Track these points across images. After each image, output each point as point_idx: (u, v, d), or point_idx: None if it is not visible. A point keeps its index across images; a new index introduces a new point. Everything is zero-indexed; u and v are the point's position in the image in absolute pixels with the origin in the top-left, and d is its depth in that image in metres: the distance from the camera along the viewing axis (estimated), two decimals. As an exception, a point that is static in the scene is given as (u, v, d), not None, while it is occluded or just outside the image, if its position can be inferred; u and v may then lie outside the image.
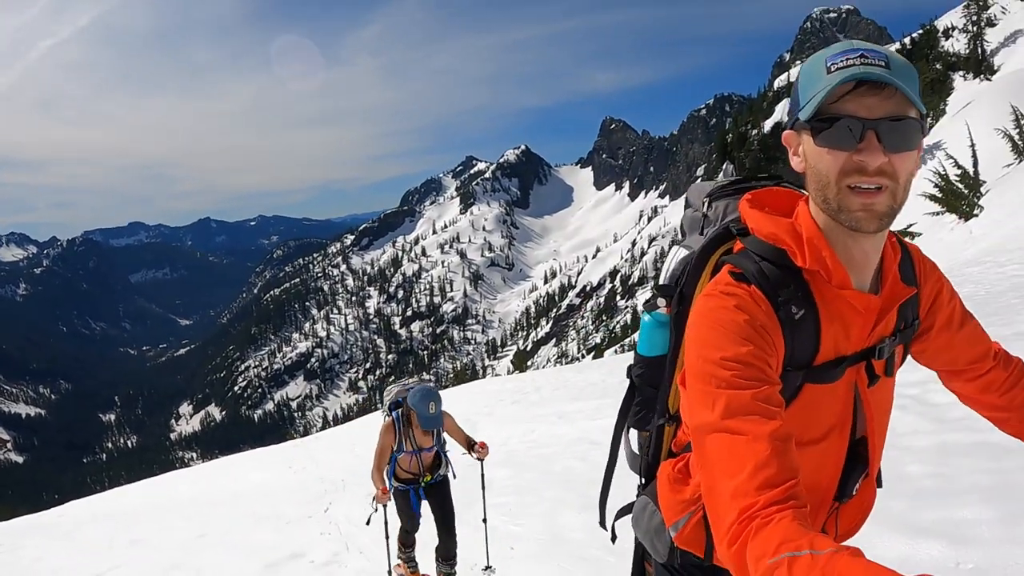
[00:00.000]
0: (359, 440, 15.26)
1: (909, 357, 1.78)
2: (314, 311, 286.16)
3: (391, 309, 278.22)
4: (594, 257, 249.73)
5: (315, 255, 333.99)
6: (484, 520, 6.08)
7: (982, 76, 41.75)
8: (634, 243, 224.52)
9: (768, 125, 79.24)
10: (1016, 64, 38.18)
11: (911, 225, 21.76)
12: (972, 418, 2.28)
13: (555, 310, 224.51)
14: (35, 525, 14.76)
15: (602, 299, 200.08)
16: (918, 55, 50.42)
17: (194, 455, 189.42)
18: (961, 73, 44.27)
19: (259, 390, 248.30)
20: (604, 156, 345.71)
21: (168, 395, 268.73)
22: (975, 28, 45.15)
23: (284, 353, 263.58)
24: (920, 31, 57.10)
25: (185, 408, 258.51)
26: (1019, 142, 22.49)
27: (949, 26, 53.17)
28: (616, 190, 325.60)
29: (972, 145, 21.24)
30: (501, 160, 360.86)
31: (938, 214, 20.93)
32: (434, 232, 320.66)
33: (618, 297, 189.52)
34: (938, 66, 45.60)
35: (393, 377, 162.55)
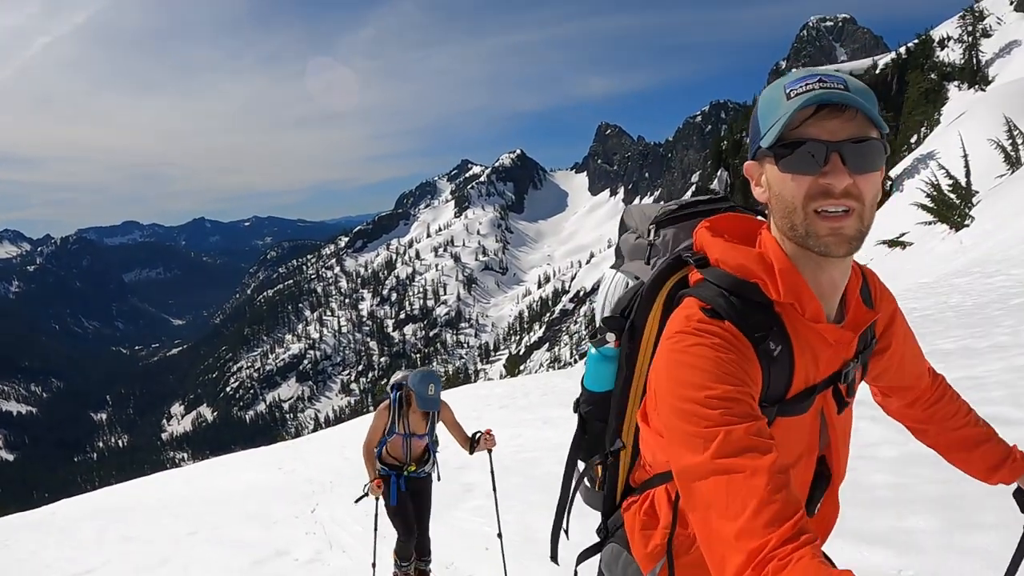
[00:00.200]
0: (348, 442, 15.32)
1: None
2: (307, 313, 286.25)
3: (384, 312, 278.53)
4: (588, 262, 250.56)
5: (309, 257, 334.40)
6: (499, 535, 5.88)
7: (977, 86, 41.96)
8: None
9: (763, 133, 78.80)
10: (1011, 75, 38.30)
11: (903, 234, 21.87)
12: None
13: (548, 315, 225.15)
14: (27, 522, 14.84)
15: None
16: (913, 64, 50.66)
17: (185, 455, 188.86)
18: (956, 83, 44.48)
19: (251, 391, 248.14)
20: (599, 161, 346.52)
21: (160, 395, 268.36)
22: (970, 38, 45.37)
23: (277, 354, 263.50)
24: (916, 41, 57.29)
25: (177, 408, 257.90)
26: (1012, 153, 22.63)
27: (945, 36, 53.37)
28: (611, 195, 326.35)
29: (965, 155, 21.36)
30: (496, 164, 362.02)
31: (930, 224, 21.03)
32: (428, 235, 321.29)
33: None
34: (933, 76, 45.78)
35: (385, 380, 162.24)
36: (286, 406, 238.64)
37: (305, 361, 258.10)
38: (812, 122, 1.30)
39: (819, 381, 1.53)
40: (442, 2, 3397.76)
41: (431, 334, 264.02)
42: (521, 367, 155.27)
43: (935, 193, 21.09)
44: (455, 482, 8.96)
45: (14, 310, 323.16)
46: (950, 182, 21.04)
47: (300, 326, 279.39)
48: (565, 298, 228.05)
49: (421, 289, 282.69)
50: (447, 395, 20.85)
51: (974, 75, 42.63)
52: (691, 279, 1.55)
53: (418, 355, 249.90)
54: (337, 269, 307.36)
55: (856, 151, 1.29)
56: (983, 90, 39.08)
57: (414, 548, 5.91)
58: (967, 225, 19.64)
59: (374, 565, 5.90)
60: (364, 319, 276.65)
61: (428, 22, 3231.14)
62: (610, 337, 1.76)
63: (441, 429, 5.84)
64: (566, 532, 1.99)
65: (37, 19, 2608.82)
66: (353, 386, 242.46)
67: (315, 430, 76.12)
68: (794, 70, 1.44)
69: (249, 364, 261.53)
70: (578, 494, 2.02)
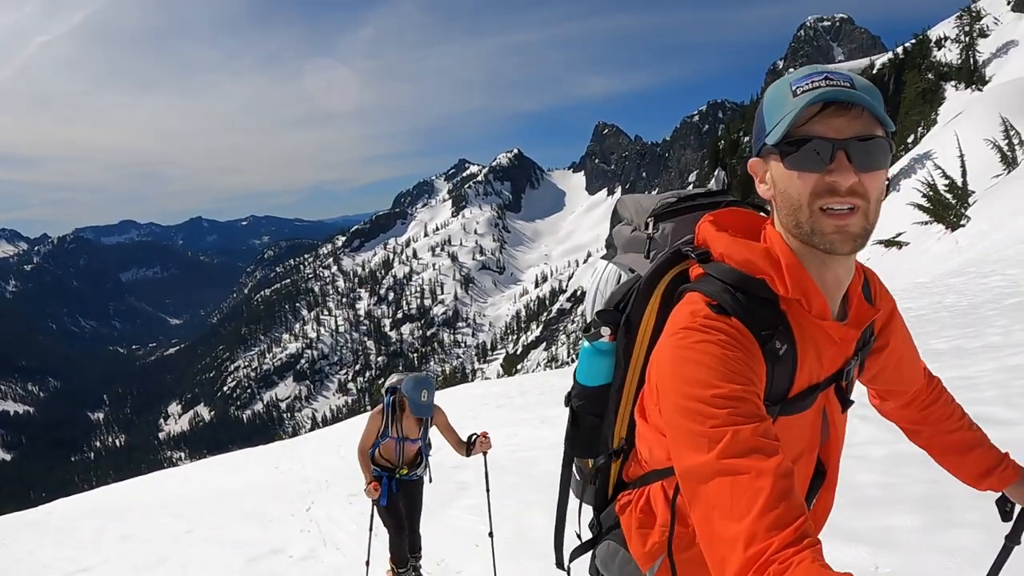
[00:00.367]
0: (345, 442, 15.31)
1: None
2: (304, 312, 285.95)
3: (381, 311, 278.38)
4: (585, 262, 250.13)
5: (306, 256, 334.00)
6: (490, 534, 5.83)
7: (974, 86, 41.96)
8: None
9: (761, 132, 78.76)
10: (1008, 75, 38.33)
11: (899, 234, 21.90)
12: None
13: (545, 314, 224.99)
14: (24, 522, 14.83)
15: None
16: (911, 64, 50.64)
17: (182, 455, 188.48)
18: (953, 83, 44.45)
19: (248, 391, 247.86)
20: (597, 161, 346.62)
21: (157, 394, 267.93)
22: (968, 39, 45.36)
23: (274, 354, 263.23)
24: (913, 40, 57.25)
25: (174, 408, 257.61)
26: (1008, 153, 22.65)
27: (942, 36, 53.40)
28: (608, 195, 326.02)
29: (961, 155, 21.38)
30: (494, 163, 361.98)
31: (926, 224, 21.05)
32: (425, 235, 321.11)
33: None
34: (930, 76, 45.79)
35: (382, 380, 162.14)
36: (283, 405, 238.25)
37: (302, 360, 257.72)
38: (818, 119, 1.30)
39: (822, 379, 1.52)
40: (442, 2, 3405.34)
41: (428, 333, 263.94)
42: (518, 366, 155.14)
43: (931, 193, 21.12)
44: (449, 481, 8.99)
45: (11, 309, 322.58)
46: (946, 182, 21.07)
47: (297, 325, 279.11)
48: (562, 297, 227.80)
49: (418, 288, 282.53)
50: (444, 395, 20.91)
51: (971, 75, 42.66)
52: (692, 274, 1.53)
53: (415, 354, 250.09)
54: (334, 268, 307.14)
55: (862, 149, 1.29)
56: (980, 90, 39.10)
57: (407, 547, 5.93)
58: (963, 225, 19.68)
59: (368, 563, 5.91)
60: (361, 318, 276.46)
61: (428, 22, 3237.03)
62: (604, 331, 1.73)
63: (435, 432, 5.83)
64: (578, 535, 1.94)
65: (35, 18, 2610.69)
66: (350, 385, 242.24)
67: (312, 429, 76.19)
68: (797, 69, 1.42)
69: (246, 363, 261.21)
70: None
